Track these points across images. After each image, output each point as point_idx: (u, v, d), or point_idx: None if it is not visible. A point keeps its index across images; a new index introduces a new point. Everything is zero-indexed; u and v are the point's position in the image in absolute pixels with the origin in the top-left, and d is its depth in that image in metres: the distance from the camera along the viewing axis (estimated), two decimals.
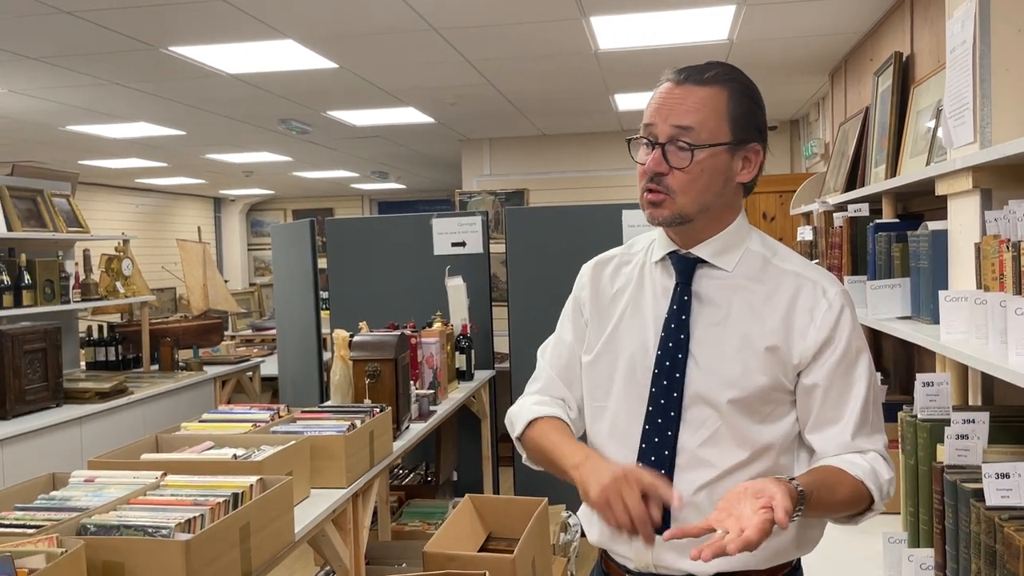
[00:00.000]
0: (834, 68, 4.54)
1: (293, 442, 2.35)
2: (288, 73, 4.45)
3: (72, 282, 4.54)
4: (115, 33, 3.64)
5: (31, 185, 4.50)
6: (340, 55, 4.12)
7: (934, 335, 1.83)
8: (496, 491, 4.86)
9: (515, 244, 4.78)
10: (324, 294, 4.97)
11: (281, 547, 2.02)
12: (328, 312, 4.97)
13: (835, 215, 3.01)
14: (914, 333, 1.97)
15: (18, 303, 4.08)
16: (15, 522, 1.71)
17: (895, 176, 2.73)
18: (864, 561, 1.97)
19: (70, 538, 1.57)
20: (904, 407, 1.90)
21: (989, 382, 1.86)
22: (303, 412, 2.84)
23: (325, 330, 4.73)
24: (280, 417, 2.77)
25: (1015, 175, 1.72)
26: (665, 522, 1.34)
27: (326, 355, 4.63)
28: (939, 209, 2.13)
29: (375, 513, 3.76)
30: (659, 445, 1.36)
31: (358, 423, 2.67)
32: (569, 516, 3.93)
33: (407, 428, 3.22)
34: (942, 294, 1.78)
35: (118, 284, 4.97)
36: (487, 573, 2.54)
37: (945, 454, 1.59)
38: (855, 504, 1.32)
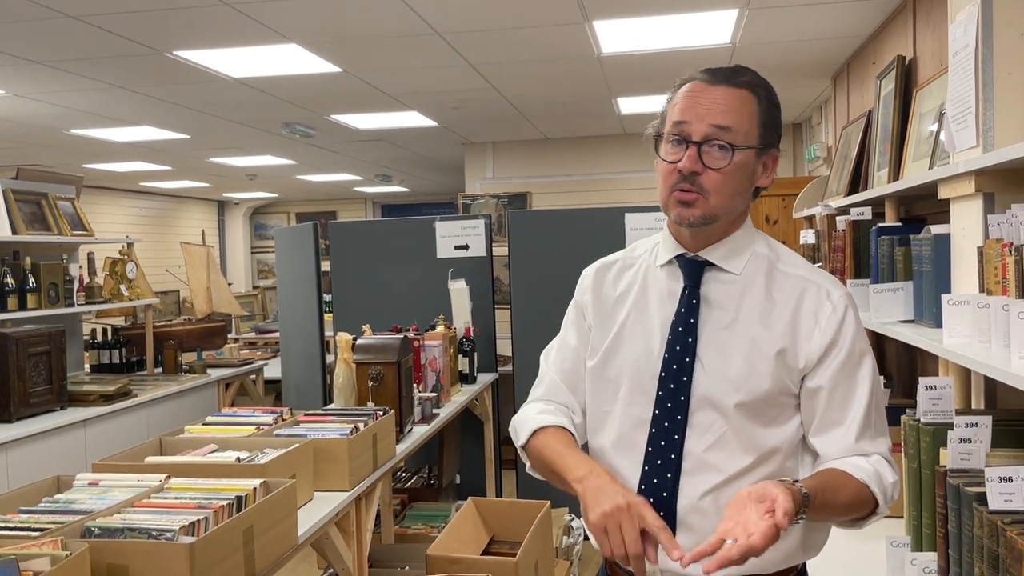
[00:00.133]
0: (837, 71, 4.55)
1: (296, 445, 2.35)
2: (292, 77, 4.46)
3: (76, 285, 4.56)
4: (119, 37, 3.65)
5: (36, 188, 4.51)
6: (344, 59, 4.13)
7: (937, 339, 1.83)
8: (499, 494, 4.86)
9: (518, 247, 4.78)
10: (327, 297, 4.99)
11: (284, 550, 2.02)
12: (331, 315, 4.97)
13: (838, 218, 3.01)
14: (917, 337, 1.97)
15: (22, 306, 4.09)
16: (20, 525, 1.71)
17: (898, 180, 2.73)
18: (867, 565, 1.97)
19: (74, 541, 1.58)
20: (907, 411, 1.89)
21: (992, 386, 1.86)
22: (306, 415, 2.85)
23: (328, 333, 4.74)
24: (283, 420, 2.77)
25: (1018, 179, 1.72)
26: (669, 528, 1.35)
27: (329, 358, 4.64)
28: (942, 213, 2.13)
29: (378, 516, 3.77)
30: (665, 449, 1.36)
31: (361, 426, 2.68)
32: (572, 519, 3.93)
33: (410, 431, 3.23)
34: (945, 298, 1.78)
35: (122, 287, 4.99)
36: None
37: (948, 458, 1.59)
38: (859, 507, 1.32)
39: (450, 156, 7.74)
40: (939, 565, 1.64)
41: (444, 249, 4.85)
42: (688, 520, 1.35)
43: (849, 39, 3.94)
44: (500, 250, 5.48)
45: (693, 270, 1.41)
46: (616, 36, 3.84)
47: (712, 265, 1.41)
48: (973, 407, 1.89)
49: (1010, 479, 1.37)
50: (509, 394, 4.83)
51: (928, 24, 2.93)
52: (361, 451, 2.60)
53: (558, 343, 1.56)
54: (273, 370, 6.10)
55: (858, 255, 2.73)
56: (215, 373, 5.33)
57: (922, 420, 1.76)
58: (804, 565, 1.43)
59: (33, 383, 3.83)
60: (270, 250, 11.75)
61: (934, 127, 2.52)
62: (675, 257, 1.43)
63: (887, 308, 2.24)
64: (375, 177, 9.53)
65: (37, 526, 1.69)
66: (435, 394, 3.65)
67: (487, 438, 4.68)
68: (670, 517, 1.35)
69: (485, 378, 4.56)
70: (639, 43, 3.98)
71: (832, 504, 1.27)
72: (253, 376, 5.88)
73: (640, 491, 1.36)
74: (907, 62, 3.06)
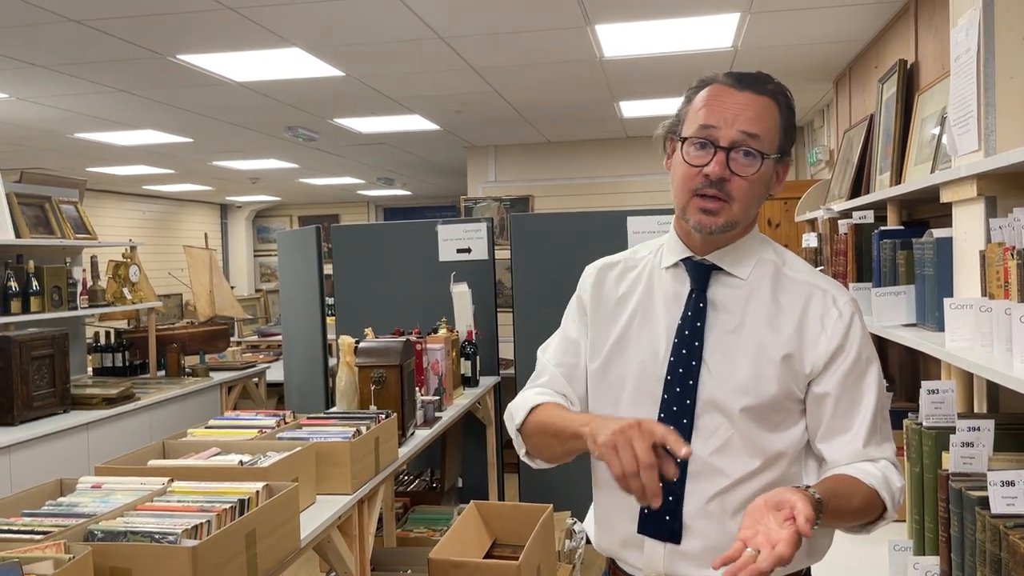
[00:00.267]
0: (838, 75, 4.55)
1: (299, 448, 2.36)
2: (295, 81, 4.47)
3: (79, 288, 4.56)
4: (123, 41, 3.66)
5: (39, 192, 4.52)
6: (347, 63, 4.14)
7: (939, 342, 1.83)
8: (501, 497, 4.86)
9: (520, 250, 4.79)
10: (330, 300, 4.99)
11: (287, 553, 2.03)
12: (334, 318, 4.98)
13: (840, 222, 3.01)
14: (919, 340, 1.97)
15: (26, 309, 4.10)
16: (23, 528, 1.71)
17: (900, 183, 2.73)
18: (869, 569, 1.97)
19: (77, 544, 1.58)
20: (909, 414, 1.89)
21: (994, 389, 1.86)
22: (309, 418, 2.85)
23: (331, 336, 4.74)
24: (286, 423, 2.77)
25: (1019, 183, 1.72)
26: (675, 532, 1.35)
27: (332, 361, 4.64)
28: (944, 216, 2.13)
29: (380, 519, 3.77)
30: (671, 453, 1.36)
31: (363, 429, 2.68)
32: (574, 523, 3.92)
33: (412, 434, 3.23)
34: (947, 301, 1.78)
35: (125, 290, 5.00)
36: None
37: (950, 462, 1.58)
38: (868, 513, 1.32)
39: (452, 159, 7.75)
40: (942, 569, 1.64)
41: (446, 252, 4.85)
42: (695, 525, 1.35)
43: (851, 43, 3.94)
44: (502, 253, 5.48)
45: (700, 274, 1.41)
46: (618, 40, 3.85)
47: (719, 269, 1.41)
48: (975, 411, 1.89)
49: (1012, 483, 1.37)
50: (511, 397, 4.80)
51: (930, 28, 2.94)
52: (363, 454, 2.60)
53: (558, 336, 1.55)
54: (276, 373, 6.10)
55: (860, 258, 2.73)
56: (218, 376, 5.33)
57: (924, 424, 1.76)
58: (809, 570, 1.43)
59: (36, 386, 3.83)
60: (273, 253, 11.77)
61: (936, 131, 2.52)
62: (682, 260, 1.43)
63: (889, 312, 2.24)
64: (377, 180, 9.54)
65: (40, 529, 1.69)
66: (437, 397, 3.65)
67: (489, 441, 4.68)
68: (676, 521, 1.35)
69: (487, 381, 4.57)
70: (641, 47, 3.98)
71: (844, 510, 1.27)
72: (256, 379, 5.89)
73: None
74: (909, 66, 3.06)
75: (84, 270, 4.87)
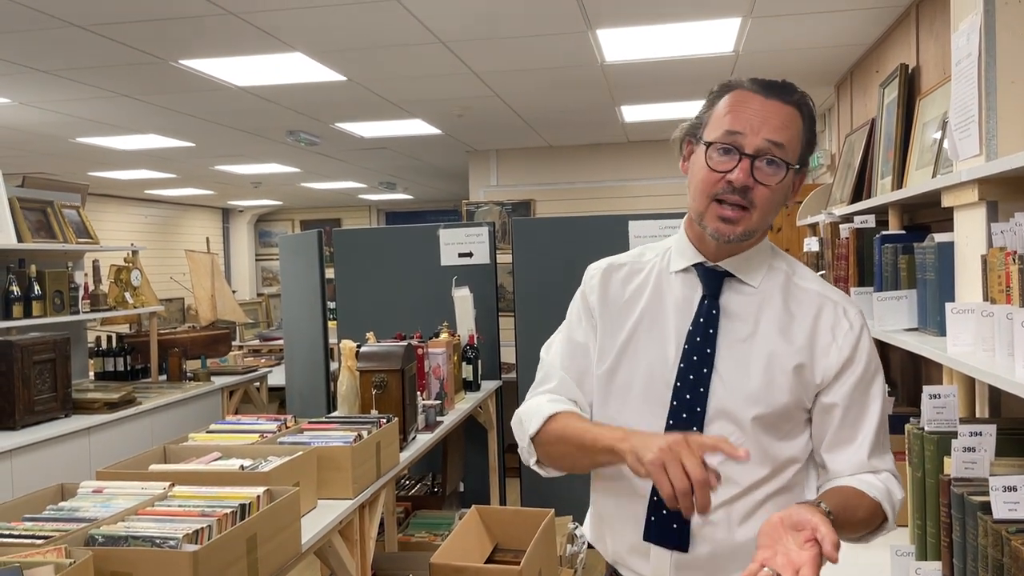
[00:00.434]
0: (840, 80, 4.55)
1: (300, 453, 2.36)
2: (297, 86, 4.48)
3: (81, 293, 4.57)
4: (125, 46, 3.67)
5: (41, 196, 4.53)
6: (348, 68, 4.15)
7: (941, 347, 1.83)
8: (503, 502, 4.85)
9: (522, 254, 4.79)
10: (331, 304, 4.99)
11: (288, 558, 2.02)
12: (335, 322, 4.98)
13: (841, 226, 3.01)
14: (921, 345, 1.97)
15: (28, 314, 4.11)
16: (24, 532, 1.71)
17: (901, 188, 2.73)
18: (871, 574, 1.96)
19: (78, 549, 1.58)
20: (911, 419, 1.89)
21: (996, 394, 1.86)
22: (310, 423, 2.85)
23: (332, 340, 4.74)
24: (287, 428, 2.77)
25: (1021, 187, 1.72)
26: (683, 540, 1.34)
27: (333, 365, 4.64)
28: (945, 221, 2.13)
29: (382, 524, 3.76)
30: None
31: (365, 434, 2.68)
32: (576, 527, 3.92)
33: (414, 439, 3.22)
34: (949, 306, 1.78)
35: (127, 295, 5.00)
36: None
37: (952, 467, 1.58)
38: (871, 524, 1.33)
39: (454, 164, 7.76)
40: (944, 574, 1.63)
41: (448, 256, 4.85)
42: (702, 532, 1.34)
43: (852, 47, 3.94)
44: (504, 257, 5.48)
45: (713, 280, 1.40)
46: (619, 45, 3.85)
47: (731, 276, 1.40)
48: (977, 416, 1.89)
49: (1014, 488, 1.37)
50: (513, 401, 4.82)
51: (931, 33, 2.94)
52: (365, 459, 2.60)
53: (563, 338, 1.51)
54: (277, 377, 6.10)
55: (862, 263, 2.72)
56: (219, 381, 5.33)
57: (926, 429, 1.75)
58: None
59: (38, 391, 3.84)
60: (274, 257, 11.78)
61: (937, 135, 2.52)
62: (693, 265, 1.42)
63: (891, 316, 2.24)
64: (379, 185, 9.55)
65: (41, 534, 1.69)
66: (439, 402, 3.65)
67: (491, 446, 4.67)
68: (684, 529, 1.35)
69: (489, 386, 4.56)
70: (642, 52, 3.99)
71: (850, 522, 1.27)
72: (257, 383, 5.89)
73: (654, 502, 1.35)
74: (910, 70, 3.06)
75: (86, 274, 4.88)
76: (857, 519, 1.29)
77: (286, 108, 5.07)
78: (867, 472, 1.36)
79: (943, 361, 1.80)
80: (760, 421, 1.34)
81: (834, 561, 1.10)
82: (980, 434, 1.56)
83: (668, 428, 1.35)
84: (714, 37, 3.77)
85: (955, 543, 1.54)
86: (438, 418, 3.57)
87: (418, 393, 3.43)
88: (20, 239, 4.17)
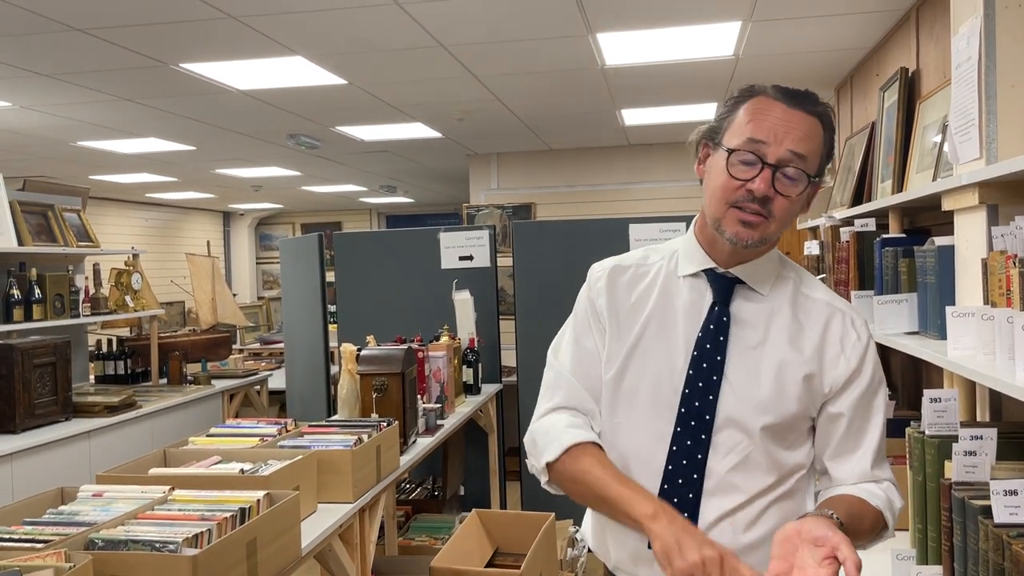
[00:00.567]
0: (840, 83, 4.55)
1: (300, 457, 2.35)
2: (297, 89, 4.48)
3: (82, 296, 4.57)
4: (126, 50, 3.67)
5: (42, 200, 4.53)
6: (349, 71, 4.15)
7: (941, 351, 1.83)
8: (503, 506, 4.85)
9: (522, 258, 4.79)
10: (332, 308, 4.99)
11: (288, 562, 2.02)
12: (336, 326, 4.98)
13: (842, 230, 3.01)
14: (921, 349, 1.97)
15: (28, 317, 4.11)
16: (24, 536, 1.71)
17: (901, 191, 2.73)
18: None
19: (78, 553, 1.58)
20: (912, 423, 1.89)
21: (997, 398, 1.85)
22: (310, 426, 2.85)
23: (333, 344, 4.74)
24: (287, 431, 2.77)
25: (1021, 191, 1.72)
26: None
27: (333, 369, 4.64)
28: (946, 224, 2.13)
29: (382, 528, 3.76)
30: (688, 468, 1.34)
31: (365, 437, 2.67)
32: (576, 531, 3.91)
33: (414, 442, 3.22)
34: (949, 310, 1.78)
35: (127, 298, 5.00)
36: None
37: (953, 471, 1.58)
38: (873, 532, 1.35)
39: (454, 167, 7.76)
40: None
41: (448, 260, 4.85)
42: (709, 536, 1.34)
43: (852, 51, 3.95)
44: (504, 261, 5.48)
45: (724, 287, 1.39)
46: (620, 48, 3.85)
47: (741, 283, 1.39)
48: (978, 419, 1.89)
49: (1015, 492, 1.37)
50: (513, 405, 4.83)
51: (931, 36, 2.94)
52: (365, 462, 2.60)
53: (571, 344, 1.47)
54: (277, 381, 6.10)
55: (862, 266, 2.72)
56: (219, 384, 5.33)
57: (927, 432, 1.75)
58: None
59: (38, 394, 3.84)
60: (275, 261, 11.78)
61: (937, 139, 2.52)
62: (703, 271, 1.40)
63: (892, 319, 2.24)
64: (380, 188, 9.56)
65: (41, 538, 1.69)
66: (439, 405, 3.65)
67: (491, 449, 4.67)
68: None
69: (489, 389, 4.56)
70: (643, 55, 3.99)
71: (857, 532, 1.29)
72: (257, 387, 5.89)
73: None
74: (910, 74, 3.07)
75: (86, 278, 4.88)
76: (863, 529, 1.31)
77: (287, 111, 5.08)
78: (869, 481, 1.37)
79: (944, 365, 1.79)
80: (769, 430, 1.34)
81: None
82: (981, 438, 1.56)
83: (676, 435, 1.35)
84: (714, 41, 3.77)
85: (956, 547, 1.54)
86: (438, 421, 3.56)
87: (418, 396, 3.43)
88: (21, 242, 4.17)
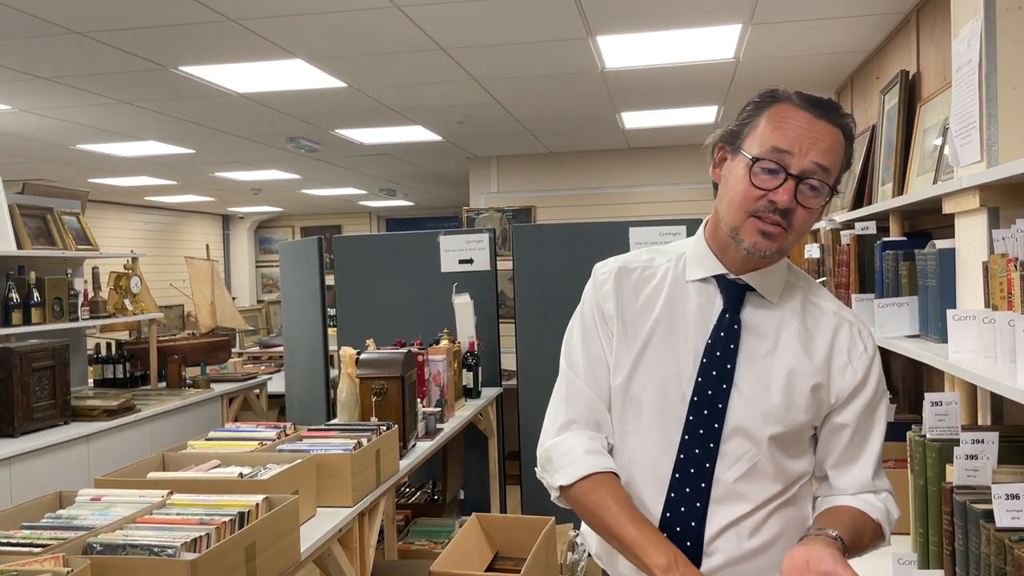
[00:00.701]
0: (840, 86, 4.55)
1: (299, 460, 2.35)
2: (297, 92, 4.48)
3: (81, 300, 4.57)
4: (125, 53, 3.67)
5: (41, 203, 4.53)
6: (348, 74, 4.15)
7: (942, 354, 1.82)
8: (503, 509, 4.84)
9: (522, 261, 4.79)
10: (331, 311, 4.99)
11: (287, 566, 2.01)
12: (335, 329, 4.98)
13: (842, 233, 3.00)
14: (922, 352, 1.96)
15: (27, 321, 4.10)
16: (22, 541, 1.70)
17: (902, 194, 2.73)
18: None
19: (76, 557, 1.57)
20: (913, 426, 1.88)
21: (998, 401, 1.85)
22: (309, 430, 2.84)
23: (332, 347, 4.73)
24: (286, 435, 2.76)
25: (1022, 194, 1.72)
26: (696, 557, 1.33)
27: (333, 373, 4.63)
28: (946, 227, 2.12)
29: (381, 532, 3.75)
30: (695, 477, 1.33)
31: (364, 441, 2.67)
32: (576, 535, 3.90)
33: (414, 446, 3.22)
34: (950, 313, 1.77)
35: (126, 301, 5.00)
36: None
37: (954, 474, 1.58)
38: (872, 544, 1.37)
39: (454, 170, 7.76)
40: None
41: (448, 263, 4.85)
42: (712, 546, 1.34)
43: (852, 54, 3.95)
44: (504, 264, 5.48)
45: (735, 294, 1.37)
46: (619, 51, 3.85)
47: (751, 290, 1.38)
48: (979, 423, 1.88)
49: (1017, 496, 1.37)
50: (513, 408, 4.82)
51: (931, 39, 2.94)
52: (364, 466, 2.59)
53: (582, 351, 1.43)
54: (277, 385, 6.09)
55: (863, 270, 2.72)
56: (219, 388, 5.33)
57: (928, 436, 1.75)
58: None
59: (37, 398, 3.83)
60: (274, 264, 11.78)
61: (938, 142, 2.52)
62: (714, 276, 1.38)
63: (892, 323, 2.23)
64: (380, 191, 9.56)
65: (39, 542, 1.68)
66: (439, 409, 3.64)
67: (491, 453, 4.66)
68: (696, 545, 1.34)
69: (489, 392, 4.55)
70: (642, 58, 3.99)
71: (857, 547, 1.31)
72: (257, 391, 5.88)
73: (665, 519, 1.34)
74: (911, 77, 3.07)
75: (85, 281, 4.88)
76: (863, 545, 1.33)
77: (286, 115, 5.08)
78: (869, 492, 1.38)
79: (945, 368, 1.79)
80: (776, 440, 1.34)
81: None
82: (982, 441, 1.56)
83: (683, 443, 1.34)
84: (714, 44, 3.77)
85: (957, 552, 1.54)
86: (438, 425, 3.56)
87: (418, 400, 3.43)
88: (20, 246, 4.17)
